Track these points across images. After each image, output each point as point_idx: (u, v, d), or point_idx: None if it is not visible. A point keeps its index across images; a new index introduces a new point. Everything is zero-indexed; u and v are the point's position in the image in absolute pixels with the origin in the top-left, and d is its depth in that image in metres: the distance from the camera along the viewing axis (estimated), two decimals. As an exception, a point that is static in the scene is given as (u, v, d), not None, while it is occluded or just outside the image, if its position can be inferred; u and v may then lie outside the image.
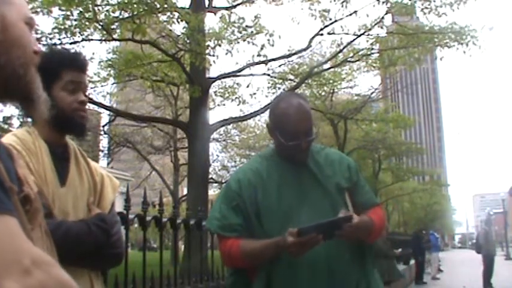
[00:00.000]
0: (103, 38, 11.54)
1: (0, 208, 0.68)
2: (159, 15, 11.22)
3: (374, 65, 16.37)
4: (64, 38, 10.61)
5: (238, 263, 1.93)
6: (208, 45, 11.23)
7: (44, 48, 0.98)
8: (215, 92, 16.79)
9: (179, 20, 11.01)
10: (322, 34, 13.90)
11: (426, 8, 12.81)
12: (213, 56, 11.52)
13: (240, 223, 1.88)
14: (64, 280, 0.71)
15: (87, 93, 1.71)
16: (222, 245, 1.93)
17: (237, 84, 16.30)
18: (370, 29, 13.48)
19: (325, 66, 15.55)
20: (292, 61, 15.38)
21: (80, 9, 10.24)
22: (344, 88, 21.02)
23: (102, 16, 10.69)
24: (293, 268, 1.83)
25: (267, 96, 15.98)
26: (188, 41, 11.32)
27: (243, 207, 1.89)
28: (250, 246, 1.84)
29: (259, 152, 2.25)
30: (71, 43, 10.65)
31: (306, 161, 1.95)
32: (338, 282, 1.85)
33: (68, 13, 10.36)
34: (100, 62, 14.35)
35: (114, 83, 16.05)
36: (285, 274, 1.84)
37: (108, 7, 10.78)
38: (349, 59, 15.04)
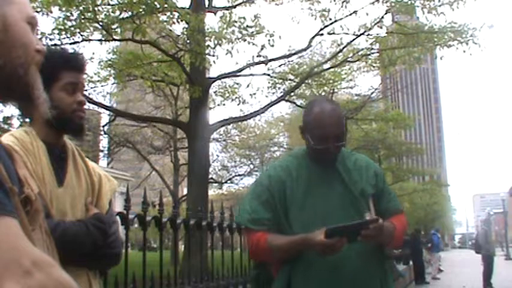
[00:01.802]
0: (103, 38, 11.53)
1: (1, 209, 0.68)
2: (159, 15, 11.21)
3: (374, 65, 16.36)
4: (64, 38, 10.61)
5: (264, 257, 2.03)
6: (208, 45, 11.22)
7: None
8: (215, 92, 16.80)
9: (179, 20, 11.01)
10: (322, 34, 13.90)
11: (426, 7, 12.80)
12: (213, 56, 11.52)
13: (268, 218, 1.97)
14: (64, 281, 0.71)
15: (86, 93, 1.72)
16: (250, 238, 2.01)
17: (237, 84, 16.32)
18: (370, 29, 13.48)
19: (325, 66, 15.55)
20: (292, 61, 15.39)
21: (80, 9, 10.23)
22: (344, 88, 21.03)
23: (102, 16, 10.69)
24: (314, 267, 1.90)
25: (266, 96, 15.99)
26: (188, 41, 11.32)
27: (272, 203, 1.98)
28: (277, 241, 1.92)
29: (292, 151, 2.32)
30: (71, 43, 10.65)
31: (334, 164, 2.03)
32: (358, 284, 1.92)
33: (68, 13, 10.35)
34: (100, 62, 14.35)
35: (114, 83, 16.04)
36: (306, 273, 1.92)
37: (108, 7, 10.79)
38: (349, 59, 15.04)
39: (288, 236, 1.91)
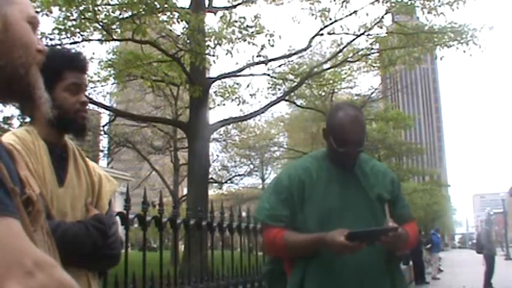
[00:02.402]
0: (103, 38, 11.53)
1: (2, 210, 0.68)
2: (159, 15, 11.21)
3: (374, 65, 16.37)
4: (64, 38, 10.62)
5: (279, 252, 2.10)
6: (208, 45, 11.22)
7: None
8: (215, 92, 16.80)
9: (179, 20, 11.01)
10: (322, 34, 13.91)
11: (426, 7, 12.80)
12: (213, 56, 11.52)
13: (287, 215, 2.03)
14: (66, 282, 0.71)
15: (86, 93, 1.72)
16: (267, 233, 2.08)
17: (237, 84, 16.32)
18: (370, 29, 13.48)
19: (325, 66, 15.55)
20: (292, 61, 15.39)
21: (80, 9, 10.23)
22: (344, 88, 21.04)
23: (102, 16, 10.69)
24: (329, 266, 1.97)
25: (266, 97, 16.00)
26: (188, 41, 11.32)
27: (291, 201, 2.05)
28: (294, 238, 1.99)
29: (312, 153, 2.37)
30: (71, 43, 10.65)
31: (353, 168, 2.11)
32: (370, 282, 1.99)
33: (68, 13, 10.35)
34: (100, 62, 14.36)
35: (114, 83, 16.05)
36: (320, 272, 1.98)
37: (108, 7, 10.79)
38: (349, 59, 15.04)
39: (304, 234, 1.98)
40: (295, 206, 2.04)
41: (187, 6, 12.29)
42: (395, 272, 2.10)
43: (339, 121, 2.06)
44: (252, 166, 27.49)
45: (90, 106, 14.32)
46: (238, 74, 13.76)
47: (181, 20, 10.99)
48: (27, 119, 1.71)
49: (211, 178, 23.35)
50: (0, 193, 0.70)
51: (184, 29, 11.47)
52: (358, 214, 2.03)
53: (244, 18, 11.39)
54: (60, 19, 10.50)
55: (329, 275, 1.97)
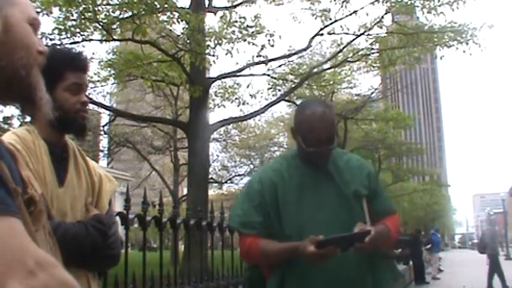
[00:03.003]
0: (103, 38, 11.53)
1: (5, 210, 0.69)
2: (159, 15, 11.21)
3: (374, 65, 16.36)
4: (64, 38, 10.61)
5: (256, 261, 2.06)
6: (208, 45, 11.22)
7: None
8: (215, 92, 16.80)
9: (179, 20, 11.01)
10: (322, 34, 13.91)
11: (425, 7, 12.80)
12: (213, 56, 11.52)
13: (260, 221, 1.96)
14: (68, 281, 0.71)
15: (86, 93, 1.72)
16: (242, 241, 2.01)
17: (237, 84, 16.31)
18: (370, 29, 13.48)
19: (325, 66, 15.55)
20: (292, 61, 15.39)
21: (80, 9, 10.23)
22: (344, 88, 21.03)
23: (102, 16, 10.69)
24: (307, 273, 1.90)
25: (266, 99, 15.99)
26: (188, 41, 11.31)
27: (264, 206, 1.98)
28: (269, 247, 1.93)
29: (282, 153, 2.29)
30: (71, 43, 10.64)
31: (326, 165, 2.02)
32: (350, 283, 1.92)
33: (68, 13, 10.35)
34: (100, 62, 14.36)
35: (114, 83, 16.05)
36: (299, 277, 1.92)
37: (108, 7, 10.78)
38: (349, 59, 15.04)
39: (280, 242, 1.92)
40: (269, 211, 1.96)
41: (187, 6, 12.29)
42: (378, 270, 2.02)
43: (306, 120, 1.97)
44: (252, 166, 27.45)
45: (90, 106, 14.31)
46: (238, 74, 13.76)
47: (181, 20, 10.98)
48: (27, 119, 1.72)
49: (211, 178, 23.35)
50: (1, 193, 0.70)
51: (184, 29, 11.47)
52: (334, 214, 1.95)
53: (244, 18, 11.39)
54: (60, 19, 10.50)
55: (308, 278, 1.91)
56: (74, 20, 10.50)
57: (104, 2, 10.80)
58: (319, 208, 1.95)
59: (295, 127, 2.03)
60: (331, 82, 17.11)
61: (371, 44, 14.35)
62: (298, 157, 2.07)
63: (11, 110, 15.15)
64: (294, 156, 2.10)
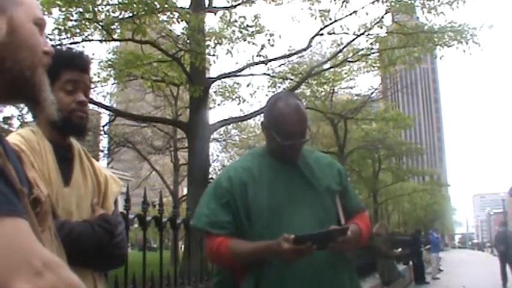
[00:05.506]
0: (103, 38, 11.53)
1: (11, 211, 0.69)
2: (159, 15, 11.21)
3: (374, 65, 16.37)
4: (64, 38, 10.61)
5: (226, 262, 1.94)
6: (208, 45, 11.23)
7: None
8: (215, 91, 16.81)
9: (179, 20, 11.01)
10: (322, 34, 13.91)
11: (425, 7, 12.81)
12: (213, 56, 11.53)
13: (229, 221, 1.87)
14: (74, 282, 0.72)
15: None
16: (210, 242, 1.91)
17: (237, 84, 16.33)
18: (370, 29, 13.49)
19: (325, 66, 15.55)
20: (292, 61, 15.39)
21: (80, 9, 10.23)
22: (344, 88, 21.05)
23: (102, 16, 10.69)
24: (283, 273, 1.84)
25: (266, 95, 15.97)
26: (188, 41, 11.32)
27: (233, 205, 1.89)
28: (240, 247, 1.84)
29: (250, 150, 2.24)
30: (71, 43, 10.64)
31: (296, 161, 1.97)
32: (325, 284, 1.87)
33: (68, 14, 10.34)
34: (100, 62, 14.35)
35: (114, 83, 16.05)
36: (274, 278, 1.85)
37: (108, 7, 10.78)
38: (349, 59, 15.05)
39: (251, 242, 1.84)
40: (239, 210, 1.87)
41: (187, 6, 12.29)
42: (351, 267, 2.01)
43: (280, 113, 1.90)
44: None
45: (90, 106, 14.28)
46: (238, 74, 13.76)
47: (181, 20, 10.99)
48: (27, 119, 1.71)
49: (211, 178, 23.31)
50: (9, 194, 0.71)
51: (184, 29, 11.48)
52: (308, 209, 1.90)
53: (244, 18, 11.40)
54: (60, 19, 10.50)
55: (285, 278, 1.84)
56: (74, 20, 10.50)
57: (104, 2, 10.80)
58: (292, 205, 1.90)
59: (268, 121, 1.97)
60: (331, 81, 17.10)
61: (371, 44, 14.36)
62: (268, 153, 2.01)
63: (11, 110, 15.15)
64: (263, 153, 2.03)
